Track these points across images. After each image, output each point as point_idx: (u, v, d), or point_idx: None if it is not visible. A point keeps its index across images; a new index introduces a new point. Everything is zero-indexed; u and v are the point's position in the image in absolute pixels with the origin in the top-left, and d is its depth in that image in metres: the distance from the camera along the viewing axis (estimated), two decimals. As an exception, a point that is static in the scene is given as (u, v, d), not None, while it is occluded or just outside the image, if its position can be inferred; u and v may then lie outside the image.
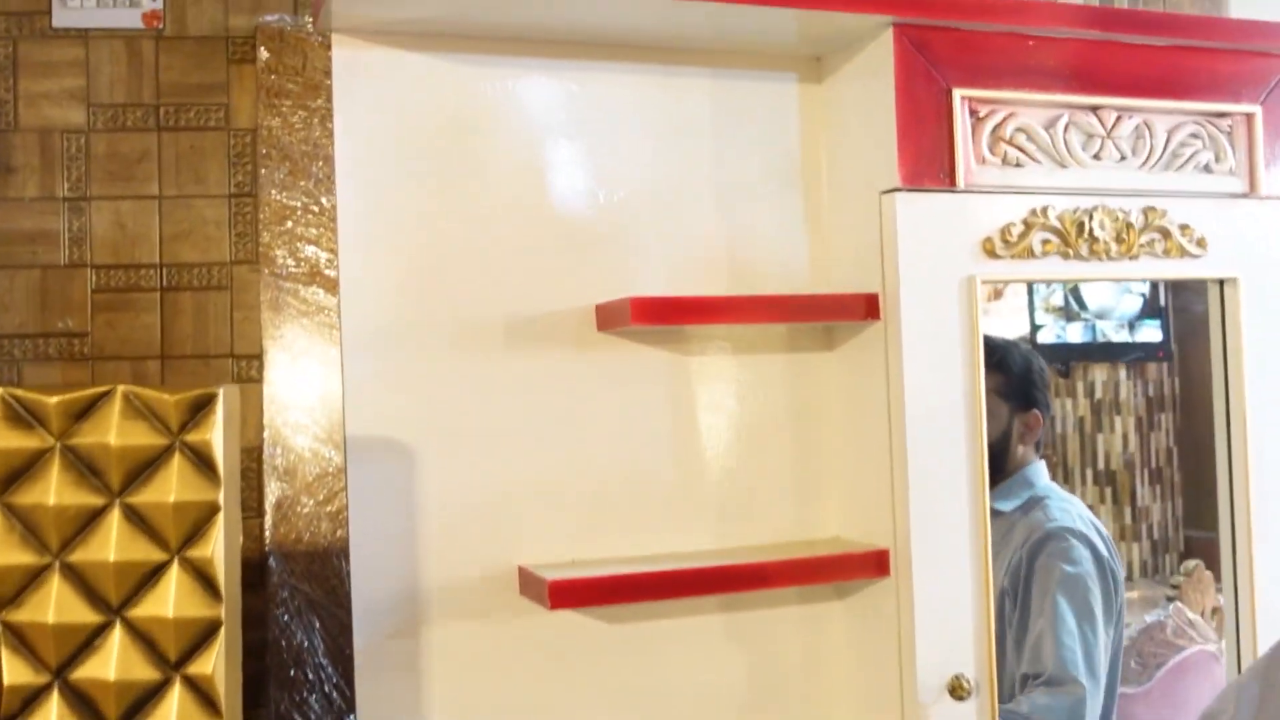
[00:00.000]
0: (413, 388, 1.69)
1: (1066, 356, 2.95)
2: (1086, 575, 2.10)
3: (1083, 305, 2.86)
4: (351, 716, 2.18)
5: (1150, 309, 2.88)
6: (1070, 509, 2.26)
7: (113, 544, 1.27)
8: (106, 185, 3.02)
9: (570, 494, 1.76)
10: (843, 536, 1.85)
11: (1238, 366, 1.90)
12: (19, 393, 1.30)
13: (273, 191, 2.91)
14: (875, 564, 1.73)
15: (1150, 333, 2.91)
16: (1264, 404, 1.90)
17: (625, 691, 1.77)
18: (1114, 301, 2.84)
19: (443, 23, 1.67)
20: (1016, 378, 2.21)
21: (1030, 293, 2.74)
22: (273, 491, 2.88)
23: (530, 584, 1.67)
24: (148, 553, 1.28)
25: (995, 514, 2.17)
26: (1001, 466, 2.18)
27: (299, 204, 2.90)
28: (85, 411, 1.30)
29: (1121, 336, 2.85)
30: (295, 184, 2.90)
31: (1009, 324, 2.68)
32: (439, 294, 1.71)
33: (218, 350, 3.01)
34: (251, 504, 2.96)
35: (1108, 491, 2.99)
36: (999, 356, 2.21)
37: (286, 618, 2.87)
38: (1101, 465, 2.98)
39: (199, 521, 1.29)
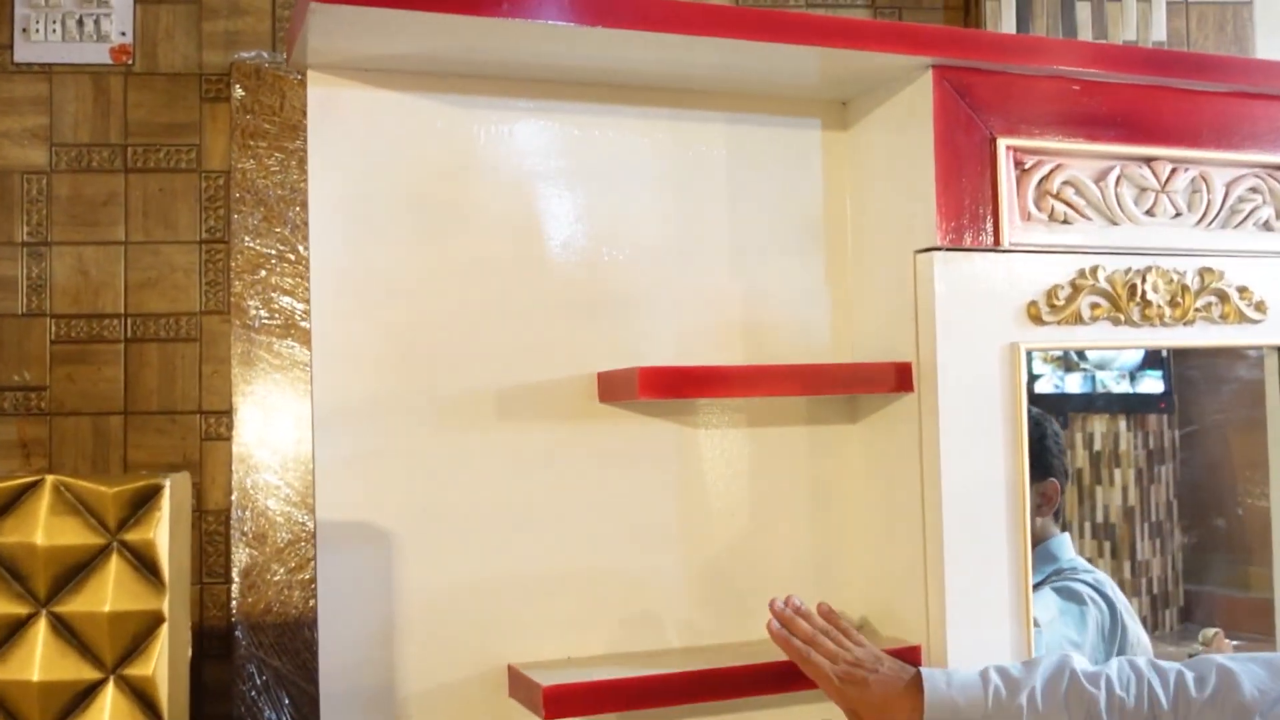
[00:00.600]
0: (392, 465, 1.51)
1: (1065, 408, 2.85)
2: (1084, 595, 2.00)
3: (1082, 356, 2.74)
4: None
5: (1151, 359, 2.80)
6: (1090, 579, 2.12)
7: (37, 661, 1.08)
8: (69, 230, 2.85)
9: (566, 584, 1.57)
10: (869, 624, 1.67)
11: (1298, 441, 1.74)
12: (-71, 482, 1.12)
13: (246, 238, 2.74)
14: (907, 661, 1.55)
15: (1151, 384, 2.82)
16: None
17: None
18: (1114, 352, 2.75)
19: (428, 59, 1.49)
20: (1032, 445, 2.06)
21: None
22: (241, 558, 2.69)
23: (521, 686, 1.48)
24: (79, 671, 1.09)
25: None
26: None
27: (274, 252, 2.73)
28: (9, 505, 1.11)
29: (1122, 388, 2.76)
30: (270, 230, 2.73)
31: None
32: (422, 359, 1.52)
33: (185, 406, 2.83)
34: (218, 569, 2.77)
35: (1106, 545, 2.83)
36: None
37: (253, 694, 2.67)
38: (1100, 518, 2.81)
39: (139, 635, 1.10)
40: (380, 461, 1.50)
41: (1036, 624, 1.83)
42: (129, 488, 1.12)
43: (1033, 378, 2.78)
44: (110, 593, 1.10)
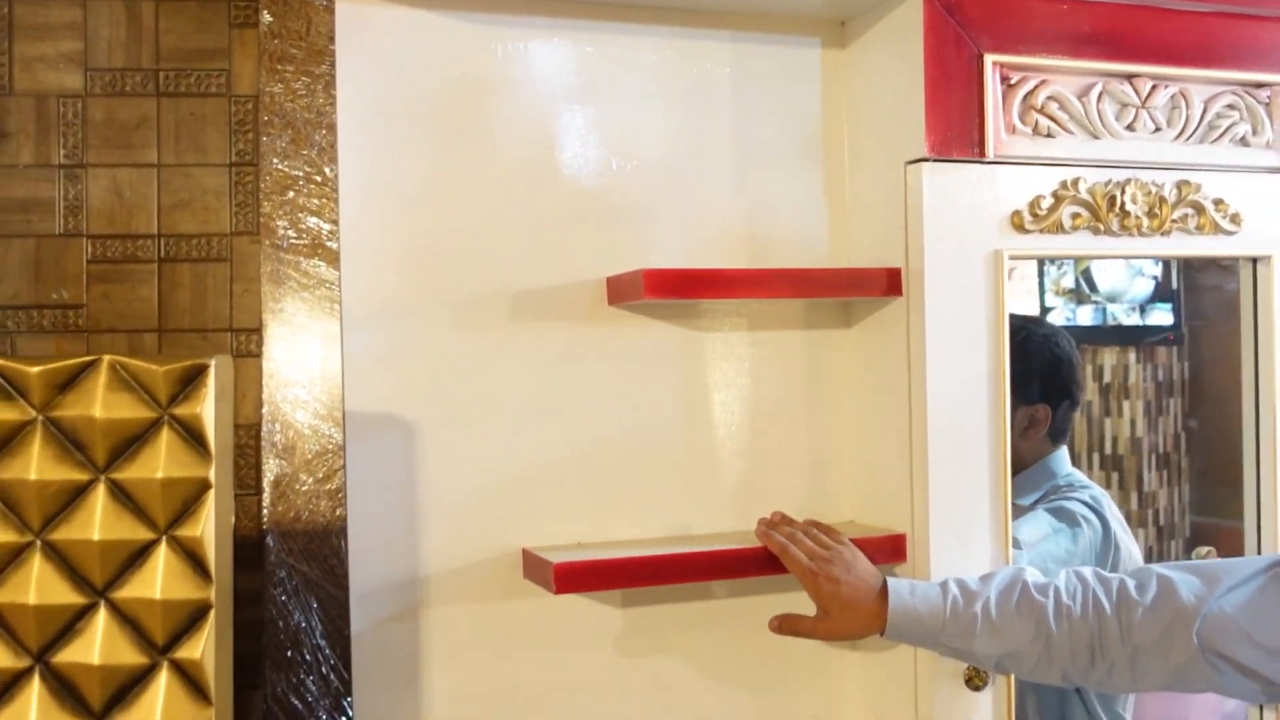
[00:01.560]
0: (415, 364, 1.63)
1: (1076, 339, 2.94)
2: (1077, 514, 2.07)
3: (1094, 288, 2.81)
4: (349, 699, 2.13)
5: (1162, 292, 2.84)
6: (1085, 496, 2.19)
7: (97, 522, 1.20)
8: (103, 152, 2.94)
9: (576, 474, 1.69)
10: (858, 520, 1.79)
11: (1269, 346, 1.84)
12: (1, 361, 1.23)
13: (274, 160, 2.82)
14: (891, 549, 1.67)
15: (1161, 316, 2.87)
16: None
17: (630, 679, 1.71)
18: (1125, 284, 2.80)
19: (449, -21, 1.59)
20: (1022, 368, 2.13)
21: (1041, 274, 2.71)
22: (270, 469, 2.81)
23: (534, 567, 1.61)
24: (134, 531, 1.21)
25: (1016, 509, 2.10)
26: None
27: (301, 173, 2.82)
28: (69, 382, 1.23)
29: (1132, 320, 2.82)
30: (298, 153, 2.82)
31: (1020, 305, 2.61)
32: (443, 266, 1.64)
33: (216, 324, 2.93)
34: (249, 481, 2.89)
35: (1114, 476, 2.92)
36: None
37: (284, 597, 2.80)
38: (1109, 450, 2.90)
39: (188, 499, 1.22)
40: (403, 360, 1.62)
41: (1018, 544, 1.94)
42: (178, 366, 1.24)
43: (1045, 310, 2.86)
44: (162, 461, 1.22)
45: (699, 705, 1.73)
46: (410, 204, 1.63)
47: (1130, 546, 2.20)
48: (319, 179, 2.86)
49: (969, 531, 1.66)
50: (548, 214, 1.68)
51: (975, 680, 1.65)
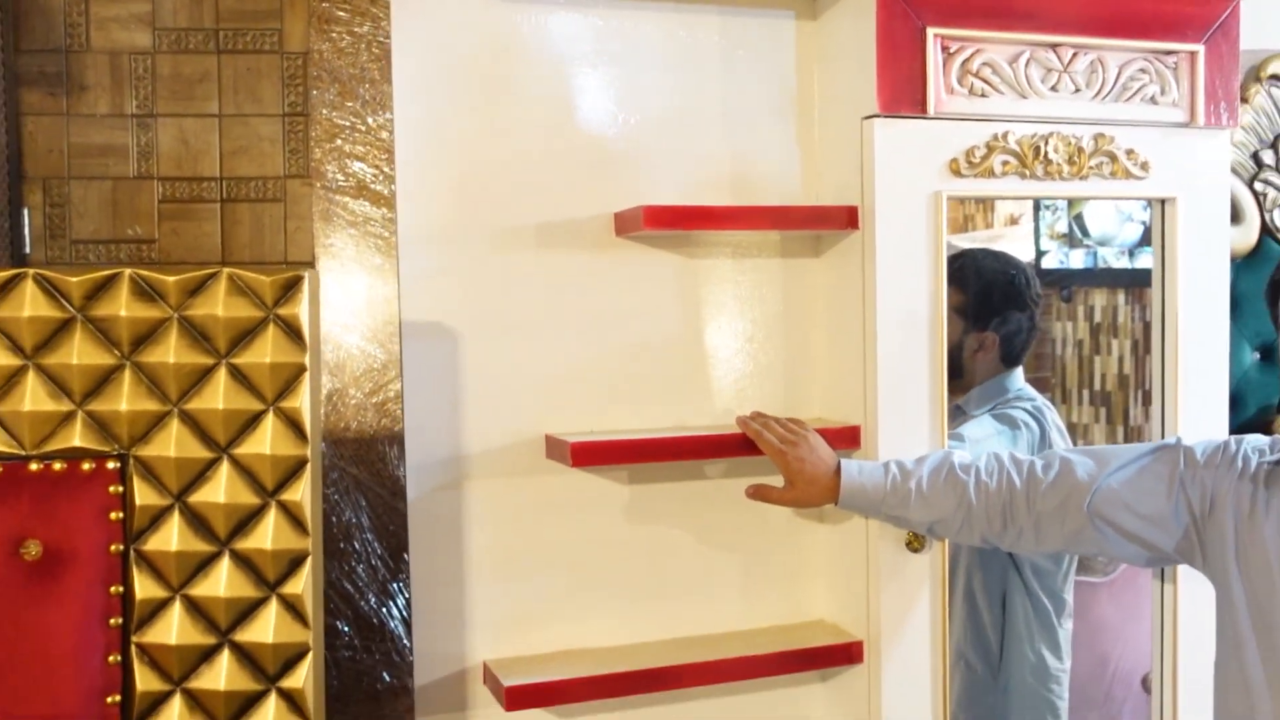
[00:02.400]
0: (458, 282, 1.99)
1: (1069, 281, 3.05)
2: (1019, 420, 2.37)
3: (1085, 232, 2.95)
4: (395, 584, 2.50)
5: (1150, 237, 3.06)
6: (1029, 406, 2.50)
7: (221, 395, 1.57)
8: (171, 104, 3.28)
9: (589, 375, 2.05)
10: (823, 415, 2.15)
11: (1173, 273, 2.18)
12: (144, 272, 1.60)
13: (324, 111, 3.16)
14: (849, 438, 2.03)
15: (1149, 260, 3.10)
16: (1192, 301, 2.18)
17: (634, 540, 2.08)
18: (1115, 229, 2.94)
19: (486, -34, 1.94)
20: (973, 298, 2.42)
21: (1036, 220, 2.85)
22: (324, 384, 3.17)
23: (555, 448, 1.98)
24: (248, 403, 1.58)
25: (969, 417, 2.44)
26: (960, 373, 2.39)
27: (348, 123, 3.16)
28: (198, 289, 1.59)
29: (1122, 263, 2.95)
30: (344, 104, 3.16)
31: (1019, 248, 2.80)
32: (481, 202, 2.00)
33: (273, 257, 3.28)
34: (303, 396, 3.27)
35: (1102, 411, 3.11)
36: (965, 274, 2.41)
37: (336, 496, 3.19)
38: (1098, 386, 3.09)
39: (289, 379, 1.59)
40: (449, 279, 1.99)
41: (961, 439, 2.28)
42: (281, 277, 1.60)
43: (1040, 253, 3.10)
44: (269, 349, 1.58)
45: (691, 563, 2.11)
46: (454, 149, 1.99)
47: (1061, 446, 2.51)
48: (363, 128, 3.22)
49: (911, 424, 2.02)
50: (566, 159, 2.03)
51: (914, 544, 2.02)
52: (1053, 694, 2.46)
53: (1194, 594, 2.13)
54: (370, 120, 3.23)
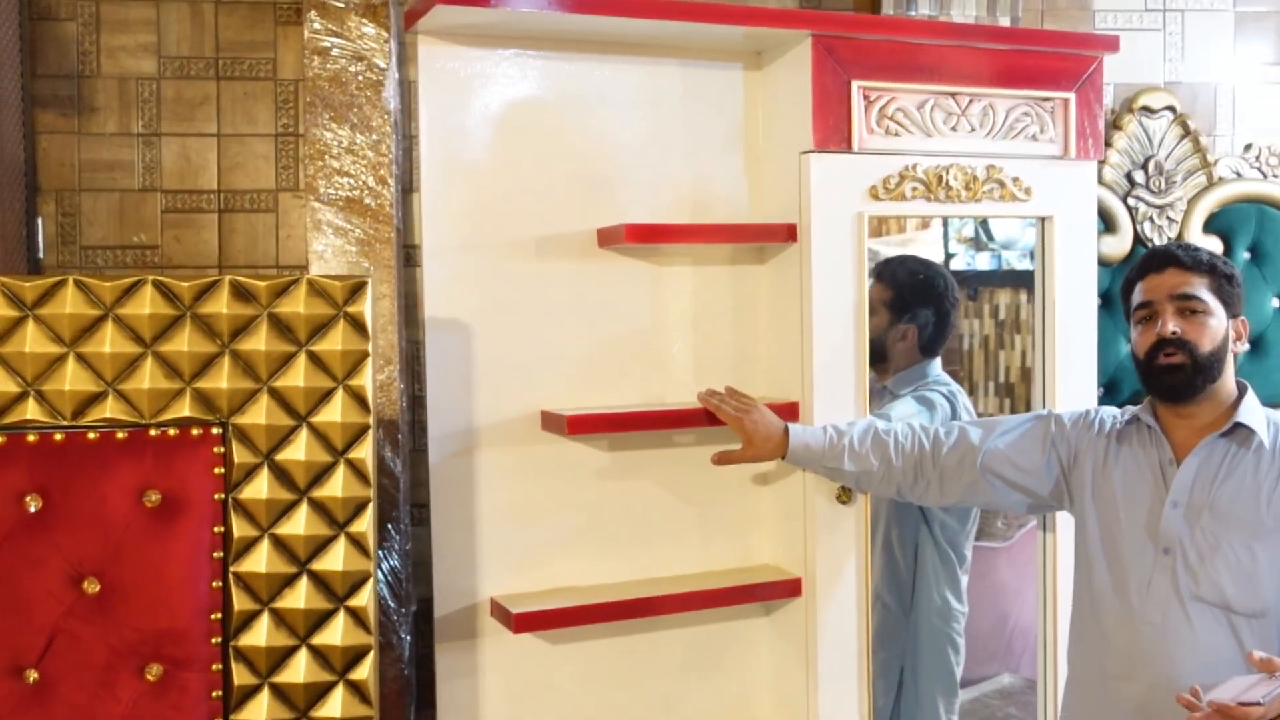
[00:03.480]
0: (471, 285, 2.41)
1: (975, 282, 3.28)
2: (935, 401, 2.81)
3: (990, 237, 3.20)
4: (421, 528, 2.86)
5: None
6: (944, 390, 2.94)
7: (301, 375, 1.98)
8: (173, 124, 3.64)
9: (576, 361, 2.49)
10: (768, 395, 2.61)
11: (1052, 278, 2.67)
12: (240, 279, 2.00)
13: (315, 132, 3.56)
14: (790, 412, 2.48)
15: None
16: (1067, 302, 2.67)
17: (613, 497, 2.53)
18: (1018, 234, 3.15)
19: (497, 27, 2.36)
20: (898, 295, 2.85)
21: (945, 225, 3.06)
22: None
23: (551, 421, 2.41)
24: (323, 381, 1.99)
25: (895, 396, 2.89)
26: (885, 359, 2.80)
27: (335, 143, 3.56)
28: (283, 291, 2.00)
29: (1024, 264, 3.06)
30: (333, 127, 3.56)
31: (929, 250, 3.01)
32: (489, 219, 2.42)
33: (266, 262, 3.67)
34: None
35: (1007, 401, 3.31)
36: (892, 275, 2.80)
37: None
38: (1003, 379, 3.30)
39: (356, 362, 2.00)
40: (463, 281, 2.40)
41: (888, 418, 2.72)
42: (350, 281, 2.02)
43: (948, 255, 3.31)
44: (340, 339, 1.99)
45: (660, 516, 2.56)
46: (467, 174, 2.40)
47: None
48: (351, 148, 3.61)
49: (841, 400, 2.48)
50: (559, 184, 2.46)
51: (843, 498, 2.48)
52: (954, 631, 2.93)
53: (1069, 543, 2.61)
54: (358, 139, 3.63)
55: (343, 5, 3.48)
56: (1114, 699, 2.13)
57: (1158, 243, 3.36)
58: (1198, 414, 2.11)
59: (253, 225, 3.66)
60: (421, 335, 2.52)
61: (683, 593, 2.44)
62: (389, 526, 2.78)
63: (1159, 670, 2.04)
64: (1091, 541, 2.18)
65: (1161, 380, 2.10)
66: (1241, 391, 2.13)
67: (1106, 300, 3.32)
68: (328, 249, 3.62)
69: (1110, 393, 3.37)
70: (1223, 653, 2.00)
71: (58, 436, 1.93)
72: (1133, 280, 2.20)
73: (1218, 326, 2.10)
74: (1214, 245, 3.32)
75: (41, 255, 3.60)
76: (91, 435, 1.94)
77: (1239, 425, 2.08)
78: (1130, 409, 2.23)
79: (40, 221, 3.59)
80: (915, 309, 2.87)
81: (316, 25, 3.47)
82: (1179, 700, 1.85)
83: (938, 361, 2.92)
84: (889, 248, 2.88)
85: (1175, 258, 2.14)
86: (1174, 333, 2.07)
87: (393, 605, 3.00)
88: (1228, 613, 2.00)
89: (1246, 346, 2.19)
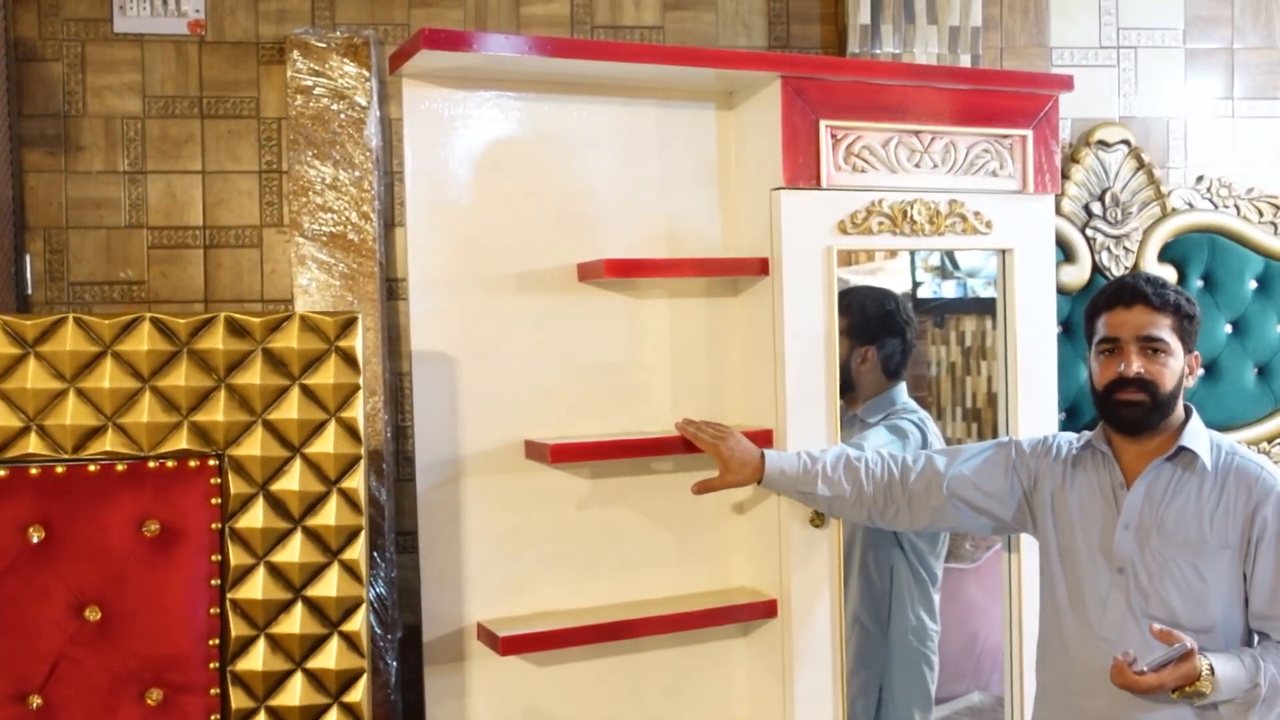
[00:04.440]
0: (455, 317, 2.49)
1: (942, 310, 3.38)
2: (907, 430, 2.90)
3: (955, 266, 3.31)
4: (406, 556, 2.94)
5: None
6: (914, 418, 3.04)
7: (295, 408, 2.06)
8: (159, 162, 3.72)
9: (559, 391, 2.58)
10: (742, 422, 2.70)
11: (1013, 307, 2.78)
12: (235, 315, 2.08)
13: (298, 168, 3.65)
14: (765, 439, 2.58)
15: None
16: (1028, 331, 2.78)
17: (594, 523, 2.61)
18: (982, 263, 3.15)
19: (479, 70, 2.46)
20: (855, 321, 2.86)
21: (912, 255, 3.13)
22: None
23: (534, 450, 2.50)
24: (316, 414, 2.07)
25: (866, 424, 2.98)
26: (853, 386, 2.87)
27: (319, 180, 3.65)
28: (276, 327, 2.08)
29: (989, 292, 3.12)
30: (316, 164, 3.65)
31: (897, 279, 3.10)
32: (473, 254, 2.51)
33: (251, 296, 3.74)
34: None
35: (974, 426, 3.40)
36: (848, 303, 2.83)
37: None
38: (970, 404, 3.39)
39: (347, 395, 2.08)
40: (448, 315, 2.49)
41: (861, 447, 2.82)
42: (342, 317, 2.10)
43: (915, 284, 3.30)
44: (332, 372, 2.07)
45: (638, 541, 2.64)
46: (450, 210, 2.49)
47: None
48: (333, 184, 3.70)
49: (812, 427, 2.58)
50: (539, 220, 2.55)
51: (816, 521, 2.57)
52: (928, 649, 3.03)
53: (1033, 564, 2.71)
54: (341, 176, 3.72)
55: (324, 45, 3.58)
56: (1077, 712, 2.22)
57: (1115, 272, 3.49)
58: (1148, 440, 2.21)
59: (238, 260, 3.74)
60: (406, 367, 2.62)
61: (663, 615, 2.53)
62: (375, 554, 2.86)
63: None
64: (1053, 563, 2.28)
65: (1119, 414, 2.19)
66: (1188, 415, 2.23)
67: (1067, 328, 3.45)
68: (312, 283, 3.71)
69: (1071, 417, 3.50)
70: None
71: (59, 469, 2.00)
72: (1099, 308, 2.25)
73: (1177, 366, 2.18)
74: (1169, 274, 3.45)
75: (30, 292, 3.67)
76: (92, 468, 2.01)
77: (1183, 449, 2.18)
78: (1085, 434, 2.33)
79: (29, 259, 3.66)
80: (871, 333, 2.93)
81: (299, 64, 3.56)
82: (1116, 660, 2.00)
83: (903, 387, 3.01)
84: (858, 276, 2.99)
85: (1145, 296, 2.18)
86: (1138, 374, 2.15)
87: (379, 632, 3.07)
88: (1178, 629, 2.10)
89: (1197, 378, 2.28)
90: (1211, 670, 2.00)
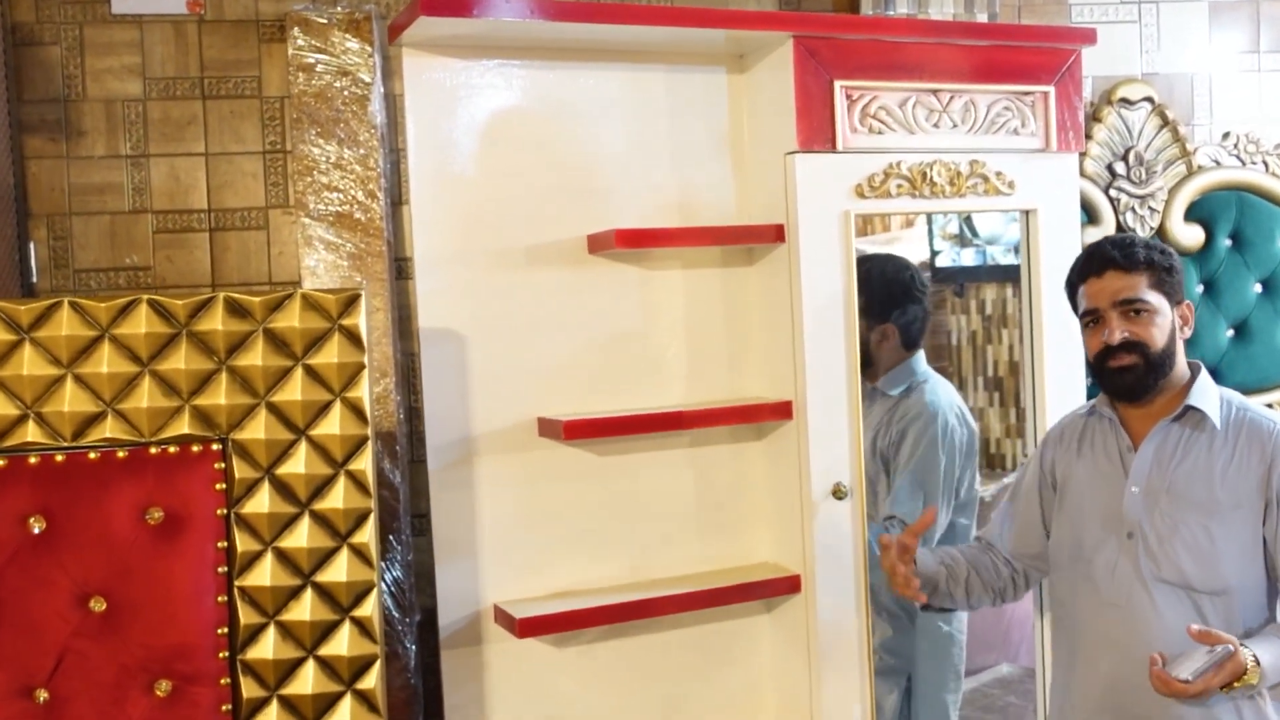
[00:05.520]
0: (463, 294, 2.43)
1: (961, 278, 3.31)
2: (938, 446, 2.83)
3: (975, 233, 3.24)
4: (422, 538, 2.89)
5: None
6: (940, 391, 2.95)
7: (299, 389, 2.00)
8: (161, 145, 3.65)
9: (571, 367, 2.51)
10: (762, 395, 2.63)
11: (1036, 269, 2.70)
12: (235, 295, 2.02)
13: (303, 148, 3.58)
14: (784, 411, 2.51)
15: None
16: (1053, 295, 2.69)
17: (605, 498, 2.55)
18: (1002, 229, 3.19)
19: (481, 37, 2.39)
20: (872, 293, 2.83)
21: (930, 223, 3.08)
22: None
23: (548, 427, 2.43)
24: (321, 394, 2.01)
25: (885, 396, 2.90)
26: (872, 362, 2.78)
27: (324, 159, 3.58)
28: (278, 306, 2.02)
29: (1009, 259, 3.10)
30: (320, 143, 3.58)
31: (915, 248, 3.04)
32: (480, 228, 2.44)
33: (258, 279, 3.68)
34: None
35: (995, 395, 3.36)
36: (864, 280, 2.69)
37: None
38: (991, 373, 3.33)
39: (352, 374, 2.02)
40: (456, 291, 2.43)
41: (885, 396, 2.74)
42: (344, 294, 2.04)
43: (934, 253, 3.33)
44: (336, 352, 2.00)
45: (656, 518, 2.58)
46: (456, 184, 2.42)
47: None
48: (339, 163, 3.63)
49: (833, 396, 2.51)
50: (547, 192, 2.48)
51: (839, 492, 2.50)
52: (955, 629, 2.96)
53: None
54: (346, 154, 3.65)
55: (326, 21, 3.50)
56: (1086, 678, 2.17)
57: (1141, 233, 3.39)
58: (1152, 402, 2.14)
59: (244, 243, 3.68)
60: (416, 347, 2.55)
61: (683, 593, 2.46)
62: (390, 538, 2.80)
63: (1125, 650, 2.09)
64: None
65: (1115, 382, 2.13)
66: (1194, 373, 2.16)
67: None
68: (320, 264, 3.64)
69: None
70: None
71: (59, 458, 1.95)
72: (1075, 282, 2.20)
73: (1164, 323, 2.11)
74: (1195, 233, 3.35)
75: (35, 280, 3.61)
76: (92, 455, 1.96)
77: (1190, 408, 2.11)
78: (1089, 403, 2.27)
79: (32, 246, 3.60)
80: (888, 308, 2.85)
81: (300, 42, 3.49)
82: (1151, 664, 1.90)
83: (921, 355, 2.94)
84: (874, 247, 2.92)
85: (1114, 260, 2.12)
86: (1124, 339, 2.09)
87: (397, 615, 3.01)
88: (1190, 592, 2.04)
89: (1190, 331, 2.21)
90: (1257, 661, 1.92)
